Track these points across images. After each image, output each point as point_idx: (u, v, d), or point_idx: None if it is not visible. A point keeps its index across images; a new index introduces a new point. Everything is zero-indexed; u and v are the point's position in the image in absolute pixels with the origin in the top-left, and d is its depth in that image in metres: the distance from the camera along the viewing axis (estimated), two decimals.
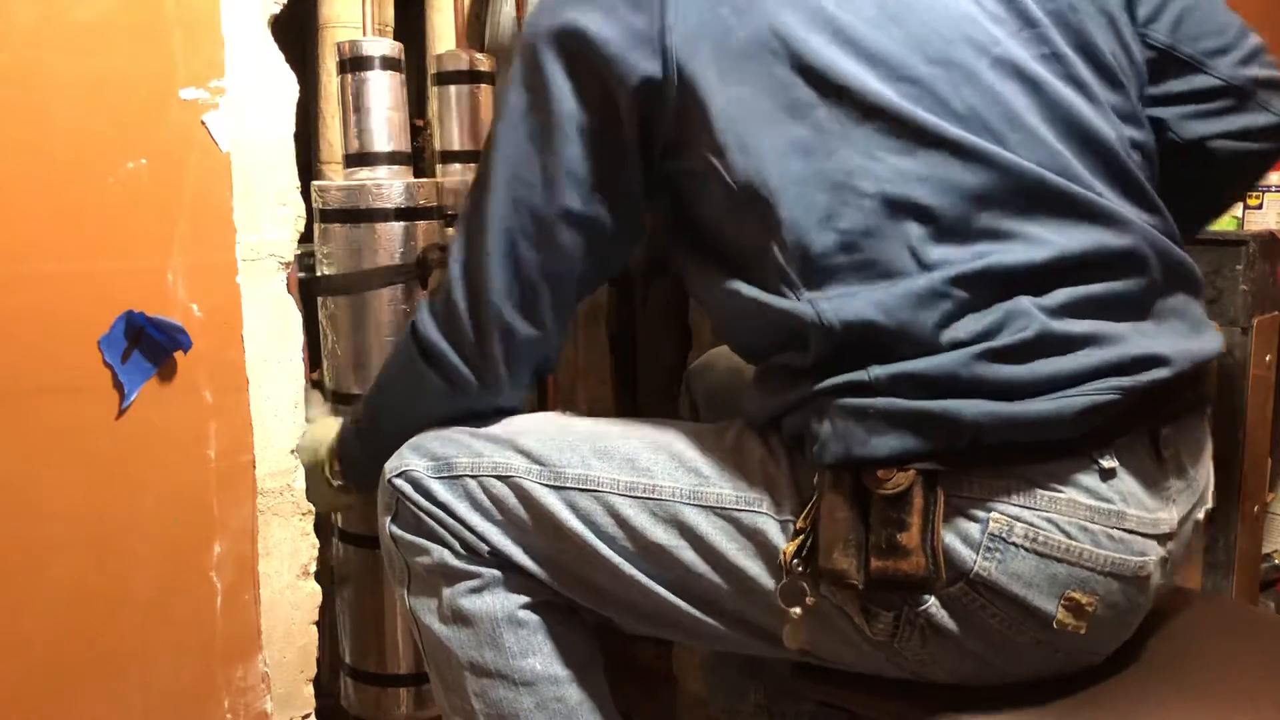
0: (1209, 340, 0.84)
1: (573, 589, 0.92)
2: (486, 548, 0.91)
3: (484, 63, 1.41)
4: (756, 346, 0.92)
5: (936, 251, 0.77)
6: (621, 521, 0.86)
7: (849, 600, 0.78)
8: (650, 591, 0.87)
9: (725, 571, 0.84)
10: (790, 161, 0.80)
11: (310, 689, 1.38)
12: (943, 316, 0.76)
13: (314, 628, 1.38)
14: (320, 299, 1.30)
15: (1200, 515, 0.88)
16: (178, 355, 1.23)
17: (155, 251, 1.20)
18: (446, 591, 0.92)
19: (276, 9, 1.27)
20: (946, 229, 0.78)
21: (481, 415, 0.99)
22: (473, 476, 0.92)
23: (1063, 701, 0.78)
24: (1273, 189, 1.79)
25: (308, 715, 1.38)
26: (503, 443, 0.93)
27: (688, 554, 0.84)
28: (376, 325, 1.26)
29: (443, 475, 0.93)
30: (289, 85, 1.28)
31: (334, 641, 1.44)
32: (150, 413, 1.21)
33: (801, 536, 0.78)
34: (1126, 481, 0.78)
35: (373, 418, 1.09)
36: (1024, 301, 0.76)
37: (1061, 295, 0.77)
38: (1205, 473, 0.89)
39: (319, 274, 1.29)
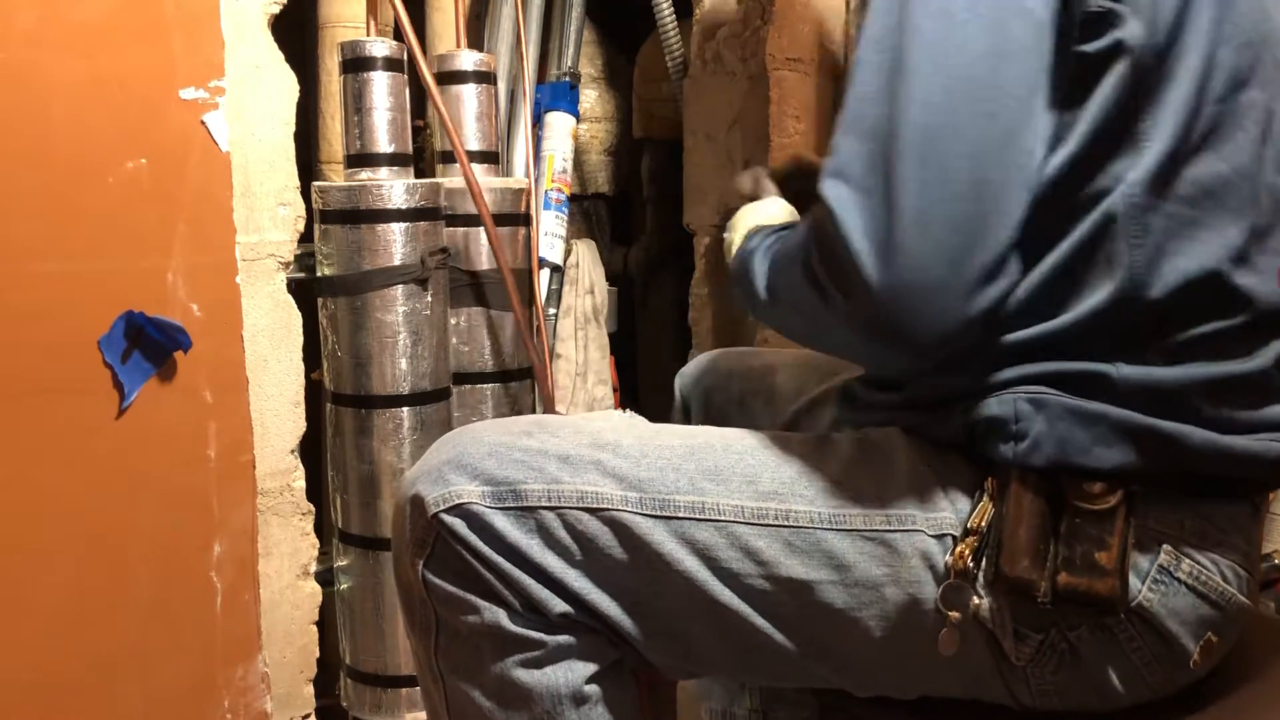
0: None
1: (657, 642, 0.77)
2: (558, 607, 0.75)
3: (486, 63, 1.41)
4: None
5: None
6: (751, 555, 0.73)
7: (1008, 616, 0.71)
8: (759, 634, 0.75)
9: (868, 604, 0.73)
10: None
11: (310, 689, 1.39)
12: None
13: (314, 628, 1.38)
14: (320, 299, 1.30)
15: None
16: (178, 355, 1.23)
17: (155, 251, 1.20)
18: (495, 660, 0.76)
19: (276, 9, 1.27)
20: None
21: None
22: (551, 508, 0.74)
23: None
24: None
25: (308, 715, 1.39)
26: (582, 462, 0.76)
27: (829, 590, 0.73)
28: (376, 326, 1.26)
29: (508, 506, 0.75)
30: (289, 85, 1.29)
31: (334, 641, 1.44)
32: (150, 413, 1.22)
33: (974, 537, 0.71)
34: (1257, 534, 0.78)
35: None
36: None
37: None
38: None
39: (319, 274, 1.29)
